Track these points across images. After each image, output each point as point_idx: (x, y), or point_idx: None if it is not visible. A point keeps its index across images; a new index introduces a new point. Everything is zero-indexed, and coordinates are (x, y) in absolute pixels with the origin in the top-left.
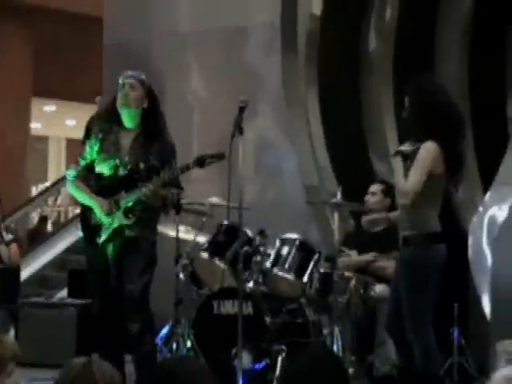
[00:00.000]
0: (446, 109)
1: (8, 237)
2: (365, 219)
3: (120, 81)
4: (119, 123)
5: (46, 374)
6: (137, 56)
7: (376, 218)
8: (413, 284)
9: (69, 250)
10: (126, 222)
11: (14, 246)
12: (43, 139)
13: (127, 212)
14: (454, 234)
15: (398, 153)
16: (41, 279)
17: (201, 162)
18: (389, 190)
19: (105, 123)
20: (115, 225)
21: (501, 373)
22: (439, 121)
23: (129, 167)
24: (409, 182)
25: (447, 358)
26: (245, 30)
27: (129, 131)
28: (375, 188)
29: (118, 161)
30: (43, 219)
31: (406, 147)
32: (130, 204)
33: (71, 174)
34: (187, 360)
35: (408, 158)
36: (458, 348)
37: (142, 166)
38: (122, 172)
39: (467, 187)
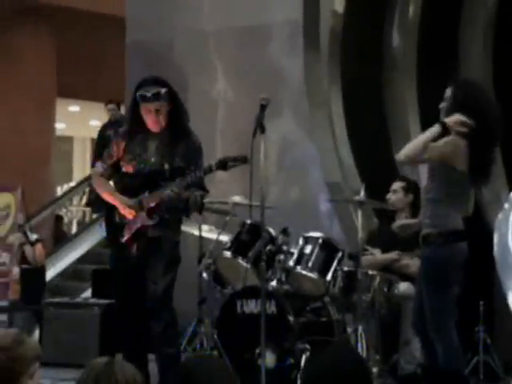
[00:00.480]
0: (486, 108)
1: (33, 237)
2: (396, 225)
3: (147, 104)
4: (145, 126)
5: (69, 374)
6: (159, 54)
7: (406, 223)
8: (433, 282)
9: (93, 250)
10: (148, 222)
11: (38, 246)
12: (68, 139)
13: (150, 212)
14: (479, 231)
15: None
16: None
17: (223, 165)
18: (410, 187)
19: (131, 125)
20: (138, 225)
21: None
22: (476, 117)
23: (153, 168)
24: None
25: (473, 356)
26: (267, 28)
27: (154, 132)
28: (397, 185)
29: (143, 161)
30: (58, 219)
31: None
32: (153, 205)
33: (97, 170)
34: (207, 359)
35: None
36: (484, 346)
37: (166, 166)
38: (147, 172)
39: (492, 184)
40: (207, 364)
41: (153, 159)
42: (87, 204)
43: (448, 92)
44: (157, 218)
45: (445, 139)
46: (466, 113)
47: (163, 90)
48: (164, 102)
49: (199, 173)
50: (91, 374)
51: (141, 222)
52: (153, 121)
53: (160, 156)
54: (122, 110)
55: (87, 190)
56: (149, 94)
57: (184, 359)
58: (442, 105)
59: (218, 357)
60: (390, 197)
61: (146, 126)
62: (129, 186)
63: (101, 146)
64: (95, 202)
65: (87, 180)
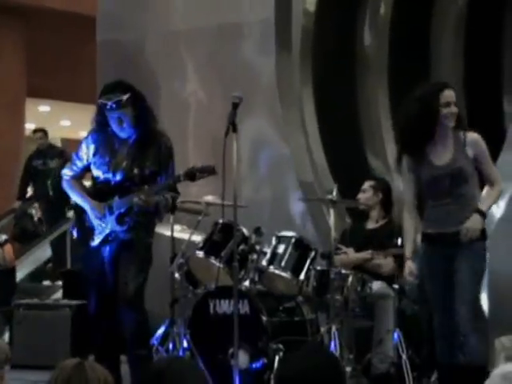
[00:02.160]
0: None
1: (1, 238)
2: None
3: (109, 112)
4: (113, 131)
5: (40, 376)
6: (130, 54)
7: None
8: (482, 274)
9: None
10: (118, 227)
11: (7, 247)
12: None
13: (120, 218)
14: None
15: None
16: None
17: (191, 176)
18: (380, 186)
19: (99, 129)
20: (107, 230)
21: (499, 370)
22: None
23: (123, 173)
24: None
25: None
26: (239, 28)
27: (125, 139)
28: (366, 185)
29: (113, 166)
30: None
31: None
32: (123, 210)
33: (67, 173)
34: (177, 360)
35: None
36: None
37: (136, 171)
38: (117, 177)
39: None
40: (179, 364)
41: (123, 164)
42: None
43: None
44: (126, 224)
45: None
46: None
47: (125, 97)
48: (126, 109)
49: (168, 180)
50: (61, 375)
51: (110, 227)
52: (117, 128)
53: (130, 161)
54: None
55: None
56: (110, 103)
57: (155, 360)
58: (454, 109)
59: (190, 357)
60: (360, 196)
61: (115, 133)
62: (99, 191)
63: (28, 176)
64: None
65: None
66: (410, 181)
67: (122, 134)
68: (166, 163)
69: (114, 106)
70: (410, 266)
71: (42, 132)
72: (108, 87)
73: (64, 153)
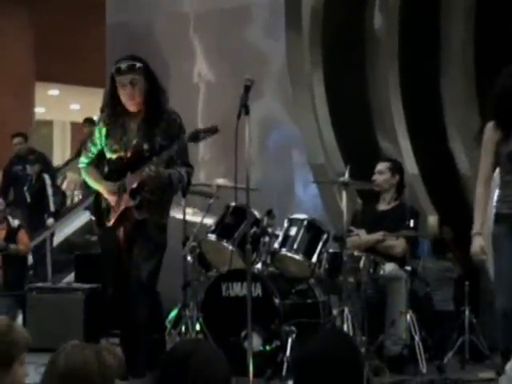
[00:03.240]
0: None
1: (14, 223)
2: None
3: (122, 77)
4: (124, 107)
5: None
6: (139, 36)
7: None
8: None
9: (75, 234)
10: (131, 203)
11: (22, 233)
12: (48, 123)
13: (132, 193)
14: (462, 216)
15: None
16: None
17: (195, 137)
18: (396, 167)
19: (110, 107)
20: (122, 207)
21: None
22: None
23: (134, 150)
24: None
25: (459, 336)
26: (248, 9)
27: (134, 114)
28: (383, 166)
29: (125, 144)
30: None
31: None
32: (135, 186)
33: (83, 161)
34: (203, 344)
35: None
36: (470, 326)
37: (145, 146)
38: (128, 154)
39: (474, 164)
40: (205, 348)
41: (134, 141)
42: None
43: None
44: (138, 199)
45: None
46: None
47: (138, 64)
48: (138, 76)
49: (172, 149)
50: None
51: (124, 203)
52: (128, 94)
53: (140, 137)
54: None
55: (68, 174)
56: (123, 66)
57: (180, 342)
58: None
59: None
60: (377, 178)
61: (126, 109)
62: (113, 171)
63: (8, 181)
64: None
65: (67, 164)
66: (490, 152)
67: (133, 103)
68: (177, 136)
69: (126, 68)
70: (479, 242)
71: (20, 137)
72: (121, 58)
73: (44, 157)
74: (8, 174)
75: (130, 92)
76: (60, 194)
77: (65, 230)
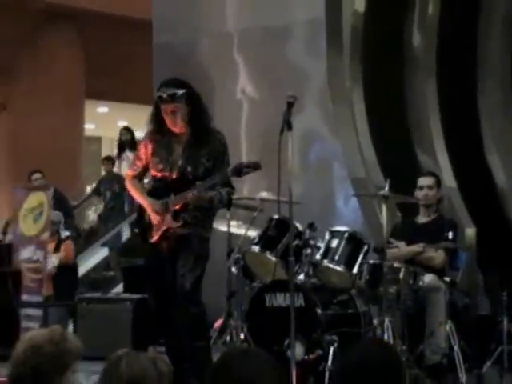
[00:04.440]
0: None
1: (64, 234)
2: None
3: (164, 105)
4: (169, 128)
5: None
6: (185, 55)
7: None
8: None
9: (94, 271)
10: (173, 224)
11: (67, 244)
12: (97, 140)
13: (175, 215)
14: (501, 222)
15: None
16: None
17: (238, 172)
18: (439, 182)
19: (156, 127)
20: (164, 227)
21: None
22: None
23: (179, 171)
24: None
25: (497, 346)
26: (290, 28)
27: (179, 134)
28: (431, 181)
29: (169, 164)
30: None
31: None
32: (178, 207)
33: (128, 173)
34: (250, 352)
35: None
36: (508, 336)
37: (189, 169)
38: (173, 175)
39: (511, 177)
40: (255, 357)
41: (179, 162)
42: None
43: None
44: (181, 221)
45: None
46: None
47: (180, 92)
48: (180, 104)
49: (217, 178)
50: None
51: (166, 224)
52: (170, 122)
53: (185, 159)
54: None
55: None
56: (164, 95)
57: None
58: None
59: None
60: (427, 192)
61: (171, 130)
62: (157, 189)
63: None
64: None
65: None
66: None
67: (176, 129)
68: (221, 160)
69: (168, 98)
70: None
71: (38, 173)
72: (164, 82)
73: (61, 195)
74: None
75: (172, 120)
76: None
77: (83, 266)
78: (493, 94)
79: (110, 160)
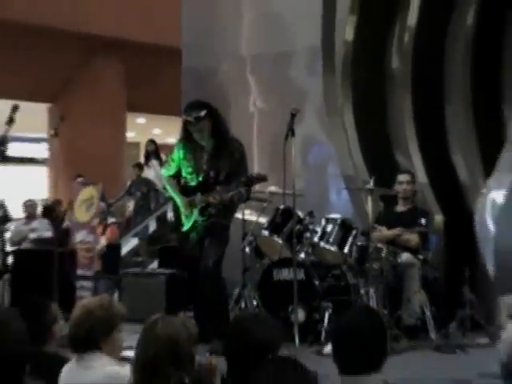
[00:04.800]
0: None
1: (110, 220)
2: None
3: (190, 126)
4: (197, 142)
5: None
6: (207, 77)
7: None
8: None
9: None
10: (200, 219)
11: (111, 228)
12: (136, 145)
13: (202, 211)
14: (462, 211)
15: None
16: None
17: (249, 183)
18: (414, 178)
19: (186, 139)
20: (192, 220)
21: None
22: None
23: (203, 175)
24: None
25: (460, 310)
26: (293, 54)
27: (205, 146)
28: (409, 177)
29: (197, 169)
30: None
31: None
32: (203, 205)
33: (166, 172)
34: (260, 315)
35: None
36: (469, 303)
37: (211, 174)
38: (199, 178)
39: (471, 174)
40: (261, 318)
41: (204, 167)
42: None
43: None
44: (206, 216)
45: None
46: None
47: (203, 113)
48: (204, 122)
49: (234, 183)
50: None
51: (194, 217)
52: (198, 138)
53: (208, 166)
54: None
55: None
56: (190, 119)
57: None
58: None
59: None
60: (406, 187)
61: (197, 142)
62: (186, 188)
63: None
64: None
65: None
66: None
67: (203, 142)
68: (239, 166)
69: (193, 121)
70: None
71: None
72: (189, 106)
73: (2, 205)
74: None
75: (199, 137)
76: None
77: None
78: (456, 106)
79: (139, 166)
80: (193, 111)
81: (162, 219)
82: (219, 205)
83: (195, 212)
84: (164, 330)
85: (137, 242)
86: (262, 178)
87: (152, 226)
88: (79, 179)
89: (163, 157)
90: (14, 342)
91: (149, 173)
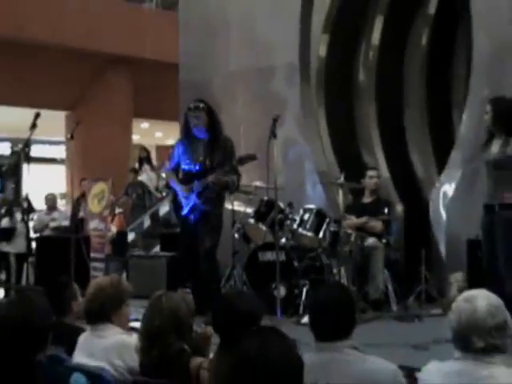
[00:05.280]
0: None
1: (117, 211)
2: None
3: (191, 112)
4: (194, 135)
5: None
6: (202, 88)
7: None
8: None
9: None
10: (197, 201)
11: (118, 218)
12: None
13: (199, 194)
14: (419, 201)
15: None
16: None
17: (240, 161)
18: (379, 174)
19: (185, 135)
20: (191, 203)
21: (462, 295)
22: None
23: (200, 165)
24: None
25: (418, 286)
26: (274, 68)
27: (201, 140)
28: (375, 173)
29: (194, 160)
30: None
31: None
32: (200, 189)
33: (168, 168)
34: (243, 291)
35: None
36: (425, 279)
37: (207, 163)
38: (196, 167)
39: (427, 170)
40: (246, 295)
41: (201, 158)
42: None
43: (488, 107)
44: (203, 198)
45: None
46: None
47: (202, 105)
48: (202, 113)
49: (228, 167)
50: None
51: (193, 201)
52: (194, 125)
53: (204, 156)
54: None
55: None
56: (191, 106)
57: (227, 291)
58: (486, 117)
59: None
60: (374, 181)
61: (195, 136)
62: (186, 178)
63: None
64: None
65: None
66: None
67: (198, 134)
68: (230, 157)
69: (194, 107)
70: None
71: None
72: (193, 100)
73: (27, 198)
74: None
75: (196, 124)
76: None
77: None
78: (414, 112)
79: (134, 171)
80: (195, 102)
81: (154, 217)
82: (216, 186)
83: (192, 197)
84: (167, 304)
85: (133, 237)
86: (251, 157)
87: (146, 222)
88: (84, 182)
89: (154, 162)
90: (39, 315)
91: (143, 176)
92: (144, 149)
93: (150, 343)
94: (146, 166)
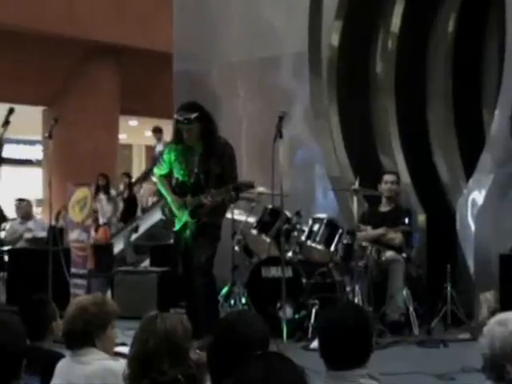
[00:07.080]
0: None
1: (101, 221)
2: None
3: (181, 125)
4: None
5: (134, 324)
6: (199, 81)
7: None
8: None
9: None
10: (190, 220)
11: (103, 229)
12: (128, 147)
13: (192, 213)
14: (445, 210)
15: None
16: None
17: (236, 189)
18: (399, 179)
19: (176, 140)
20: (184, 220)
21: (496, 317)
22: None
23: (195, 177)
24: None
25: (442, 306)
26: (280, 58)
27: (196, 150)
28: (394, 178)
29: (188, 171)
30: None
31: None
32: (193, 208)
33: (158, 172)
34: (246, 312)
35: None
36: (451, 299)
37: (201, 176)
38: (191, 180)
39: (453, 175)
40: (246, 316)
41: (195, 170)
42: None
43: None
44: (196, 219)
45: None
46: None
47: (193, 115)
48: (194, 125)
49: (224, 188)
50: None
51: (185, 219)
52: (186, 139)
53: (199, 168)
54: None
55: (144, 184)
56: (181, 119)
57: (228, 313)
58: None
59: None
60: (390, 187)
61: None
62: (178, 188)
63: None
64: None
65: (143, 178)
66: None
67: (190, 143)
68: (229, 168)
69: (184, 121)
70: None
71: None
72: (182, 106)
73: None
74: None
75: (188, 138)
76: None
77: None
78: (438, 109)
79: (127, 175)
80: (185, 112)
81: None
82: (210, 206)
83: (185, 213)
84: (163, 326)
85: (122, 247)
86: (249, 186)
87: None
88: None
89: (112, 192)
90: (11, 339)
91: (97, 205)
92: (104, 176)
93: (140, 370)
94: (102, 196)
